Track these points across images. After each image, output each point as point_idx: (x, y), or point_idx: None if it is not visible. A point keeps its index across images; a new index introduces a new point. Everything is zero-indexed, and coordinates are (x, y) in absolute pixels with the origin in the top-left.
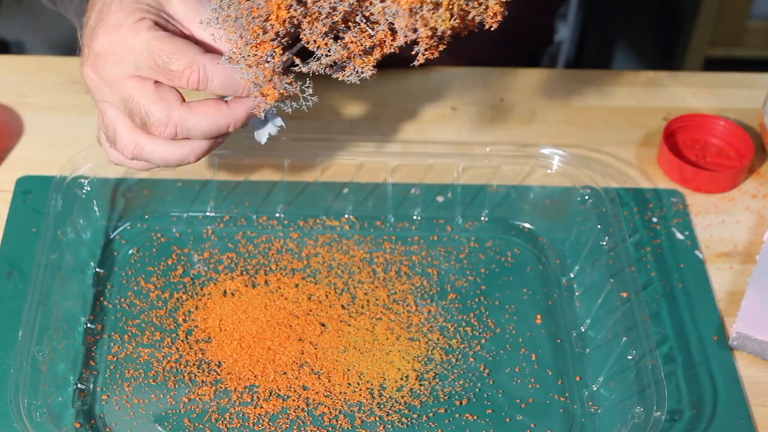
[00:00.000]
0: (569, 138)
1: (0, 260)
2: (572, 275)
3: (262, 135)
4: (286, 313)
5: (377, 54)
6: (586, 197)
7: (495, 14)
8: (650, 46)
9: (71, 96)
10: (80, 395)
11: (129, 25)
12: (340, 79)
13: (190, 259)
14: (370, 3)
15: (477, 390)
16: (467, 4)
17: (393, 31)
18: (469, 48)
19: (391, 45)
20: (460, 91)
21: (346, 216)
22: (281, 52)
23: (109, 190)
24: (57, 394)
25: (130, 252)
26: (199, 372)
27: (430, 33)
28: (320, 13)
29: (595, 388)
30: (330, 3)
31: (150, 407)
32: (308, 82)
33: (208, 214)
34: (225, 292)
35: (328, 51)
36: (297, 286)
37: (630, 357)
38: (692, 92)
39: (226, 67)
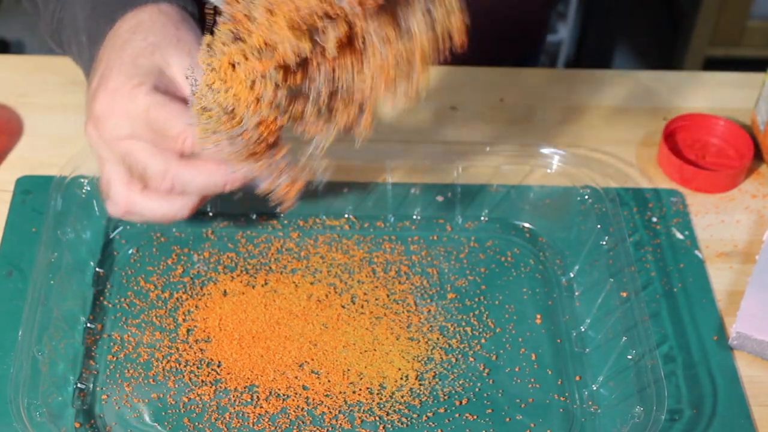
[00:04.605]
0: (569, 138)
1: (0, 260)
2: (572, 275)
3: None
4: (286, 313)
5: (369, 110)
6: (586, 197)
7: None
8: (650, 46)
9: (71, 96)
10: (80, 395)
11: (126, 91)
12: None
13: (190, 259)
14: (343, 67)
15: (477, 390)
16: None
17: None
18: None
19: (380, 91)
20: (460, 91)
21: (346, 216)
22: (281, 147)
23: None
24: (57, 393)
25: (130, 252)
26: (198, 372)
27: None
28: (306, 104)
29: (595, 388)
30: (313, 92)
31: (150, 407)
32: (319, 160)
33: (208, 213)
34: (225, 291)
35: (327, 134)
36: (297, 285)
37: (630, 357)
38: (692, 92)
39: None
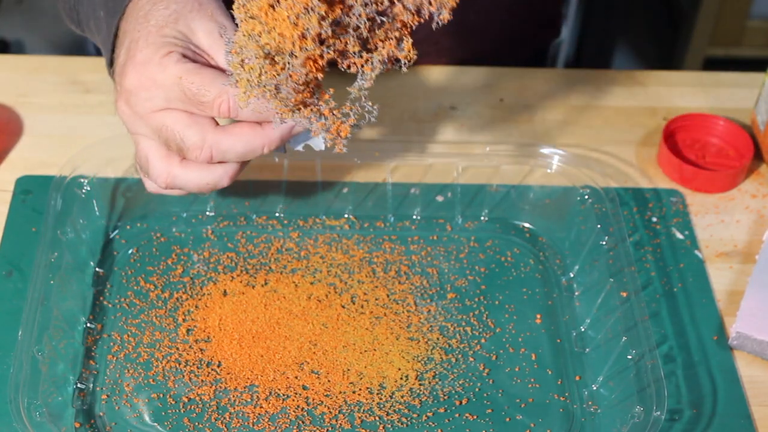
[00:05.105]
0: (569, 138)
1: (0, 260)
2: (572, 275)
3: (298, 143)
4: (286, 313)
5: (408, 37)
6: (586, 197)
7: None
8: (650, 46)
9: (71, 96)
10: (80, 395)
11: (156, 61)
12: (386, 71)
13: (189, 259)
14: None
15: (477, 390)
16: None
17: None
18: (477, 42)
19: (415, 19)
20: (460, 91)
21: (346, 216)
22: (323, 91)
23: (109, 190)
24: (57, 393)
25: (130, 252)
26: (198, 372)
27: None
28: (348, 37)
29: (594, 388)
30: (353, 20)
31: (150, 407)
32: (363, 98)
33: (207, 213)
34: (225, 291)
35: (372, 66)
36: (297, 285)
37: (630, 357)
38: (692, 92)
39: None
